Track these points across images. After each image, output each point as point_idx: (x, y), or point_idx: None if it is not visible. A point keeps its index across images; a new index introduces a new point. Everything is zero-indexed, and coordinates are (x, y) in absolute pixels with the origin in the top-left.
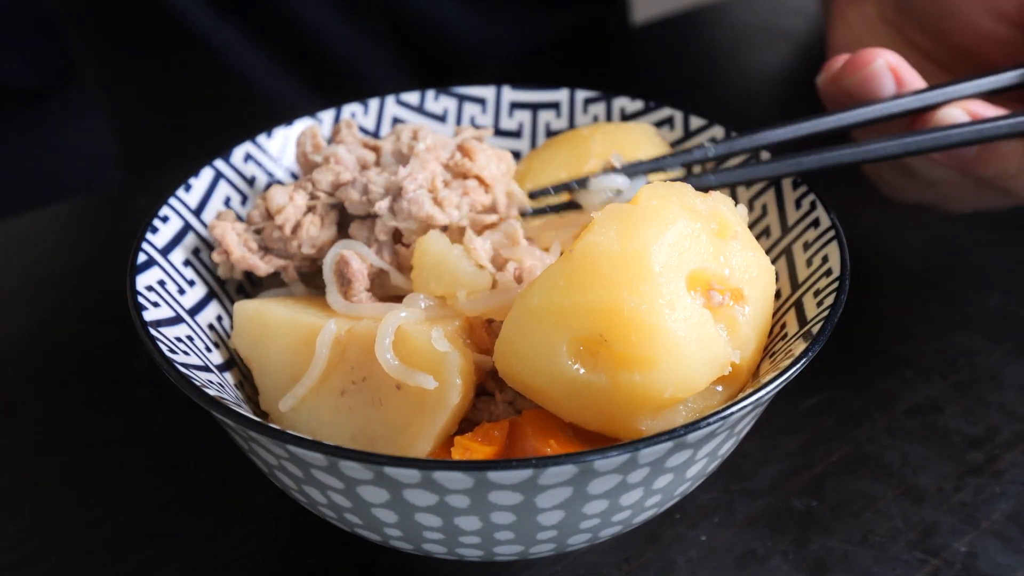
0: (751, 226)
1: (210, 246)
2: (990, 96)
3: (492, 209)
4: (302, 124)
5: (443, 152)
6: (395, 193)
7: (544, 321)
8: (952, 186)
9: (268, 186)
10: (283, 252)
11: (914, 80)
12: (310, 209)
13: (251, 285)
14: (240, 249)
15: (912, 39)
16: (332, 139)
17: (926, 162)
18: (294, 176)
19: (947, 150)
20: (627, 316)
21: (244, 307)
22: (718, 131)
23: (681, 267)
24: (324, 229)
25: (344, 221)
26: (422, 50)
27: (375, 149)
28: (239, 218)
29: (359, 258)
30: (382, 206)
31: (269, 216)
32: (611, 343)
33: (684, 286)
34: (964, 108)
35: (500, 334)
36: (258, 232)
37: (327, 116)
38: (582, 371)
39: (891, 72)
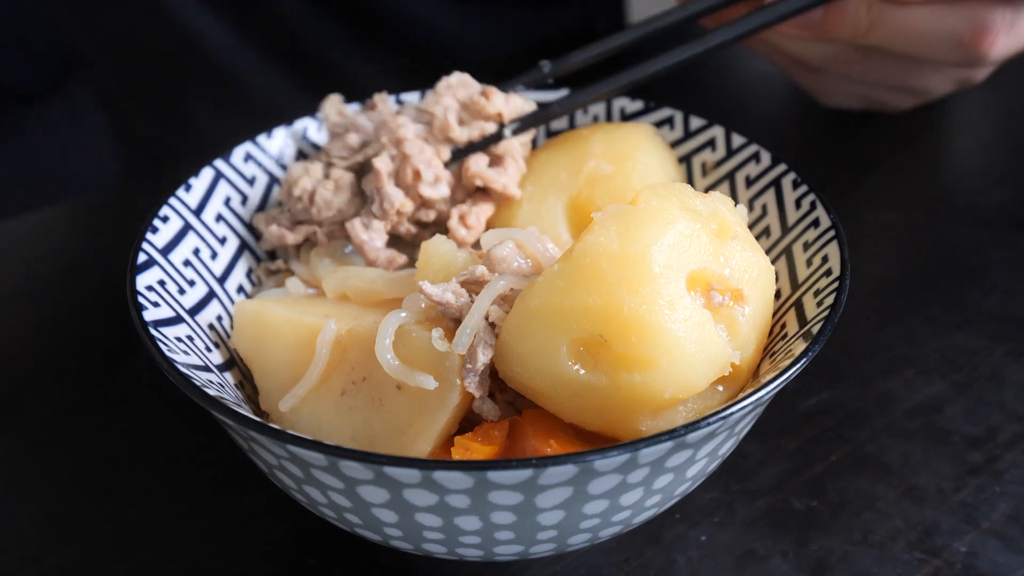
0: (751, 226)
1: (210, 246)
2: None
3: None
4: (302, 124)
5: (463, 91)
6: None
7: (544, 322)
8: (844, 63)
9: (268, 186)
10: (308, 220)
11: None
12: (325, 177)
13: (252, 285)
14: (268, 225)
15: None
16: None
17: (797, 43)
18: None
19: (787, 19)
20: (627, 316)
21: (244, 307)
22: (718, 131)
23: (681, 267)
24: (338, 193)
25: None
26: (417, 54)
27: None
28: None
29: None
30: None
31: (291, 191)
32: (611, 344)
33: (684, 286)
34: None
35: (500, 335)
36: (289, 210)
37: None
38: (582, 372)
39: None
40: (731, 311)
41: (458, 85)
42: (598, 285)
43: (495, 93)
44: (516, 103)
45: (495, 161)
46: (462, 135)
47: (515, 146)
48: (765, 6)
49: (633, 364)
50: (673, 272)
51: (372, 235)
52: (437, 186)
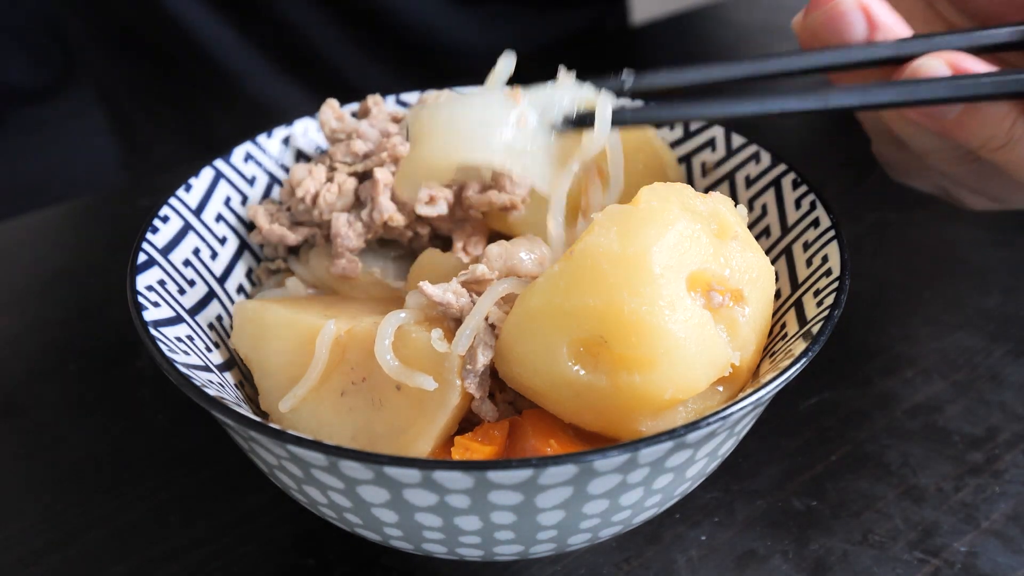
0: (751, 226)
1: (211, 246)
2: (982, 52)
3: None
4: (302, 124)
5: None
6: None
7: (544, 323)
8: (946, 161)
9: (268, 186)
10: (310, 222)
11: (894, 26)
12: (329, 180)
13: (252, 285)
14: (269, 223)
15: (941, 12)
16: (359, 115)
17: (910, 127)
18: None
19: (918, 106)
20: (627, 317)
21: (244, 307)
22: (718, 131)
23: (682, 268)
24: (341, 197)
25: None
26: (418, 55)
27: (402, 120)
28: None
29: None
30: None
31: (294, 192)
32: (611, 344)
33: (684, 287)
34: (946, 60)
35: (500, 335)
36: (289, 209)
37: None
38: (582, 372)
39: (861, 11)
40: (731, 311)
41: None
42: (598, 286)
43: None
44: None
45: (495, 180)
46: None
47: None
48: (900, 81)
49: (633, 365)
50: (673, 273)
51: (350, 233)
52: (433, 206)
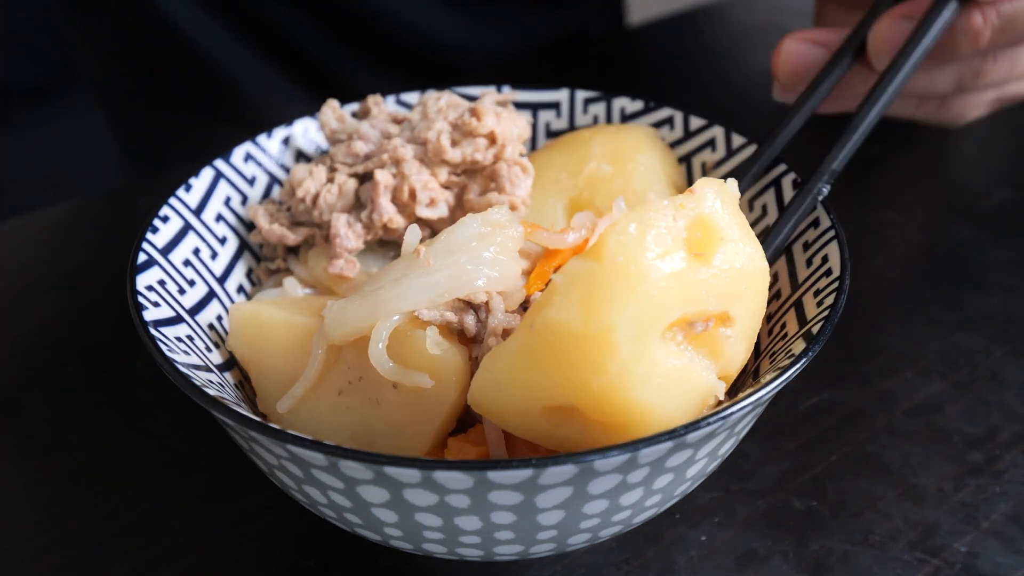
0: (752, 225)
1: (210, 246)
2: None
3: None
4: (302, 124)
5: (453, 112)
6: (395, 158)
7: (511, 392)
8: (971, 76)
9: (268, 186)
10: (310, 222)
11: (833, 37)
12: (329, 181)
13: (251, 285)
14: (269, 223)
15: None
16: (359, 115)
17: (917, 78)
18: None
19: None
20: (596, 392)
21: (240, 309)
22: (718, 131)
23: (655, 327)
24: (341, 198)
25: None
26: (414, 56)
27: (403, 121)
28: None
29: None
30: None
31: (294, 192)
32: (584, 411)
33: (659, 343)
34: (888, 17)
35: (472, 384)
36: (289, 209)
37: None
38: (559, 429)
39: (805, 43)
40: (714, 334)
41: (448, 107)
42: (561, 363)
43: (486, 112)
44: (509, 119)
45: (493, 181)
46: (455, 156)
47: (503, 165)
48: (881, 82)
49: (609, 427)
50: (645, 338)
51: (350, 234)
52: (433, 208)
